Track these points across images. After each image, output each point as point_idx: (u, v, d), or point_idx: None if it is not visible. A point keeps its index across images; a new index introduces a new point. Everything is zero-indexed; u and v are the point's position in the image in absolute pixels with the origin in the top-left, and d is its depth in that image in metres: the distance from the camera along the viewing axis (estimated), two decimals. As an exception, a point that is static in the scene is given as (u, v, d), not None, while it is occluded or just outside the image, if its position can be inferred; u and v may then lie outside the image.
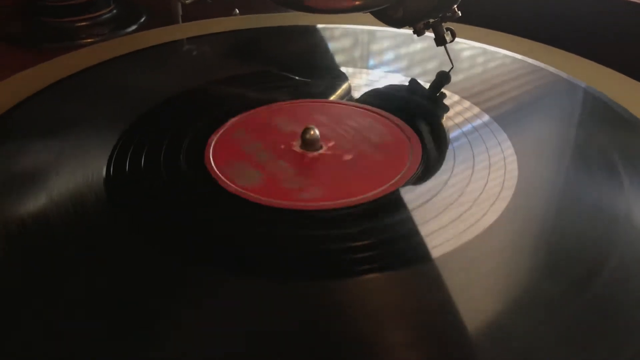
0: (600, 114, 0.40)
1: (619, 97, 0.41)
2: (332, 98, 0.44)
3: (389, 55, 0.52)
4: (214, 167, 0.35)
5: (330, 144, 0.37)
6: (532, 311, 0.25)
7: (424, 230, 0.30)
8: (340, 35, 0.55)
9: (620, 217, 0.30)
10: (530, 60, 0.48)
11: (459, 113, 0.40)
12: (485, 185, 0.33)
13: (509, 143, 0.36)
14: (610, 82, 0.43)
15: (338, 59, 0.51)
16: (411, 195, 0.32)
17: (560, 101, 0.43)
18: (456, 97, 0.42)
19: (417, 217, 0.31)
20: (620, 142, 0.36)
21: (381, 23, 0.45)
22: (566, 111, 0.42)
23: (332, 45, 0.54)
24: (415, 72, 0.47)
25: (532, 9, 0.58)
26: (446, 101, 0.42)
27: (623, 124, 0.38)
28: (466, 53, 0.50)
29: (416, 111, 0.41)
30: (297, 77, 0.46)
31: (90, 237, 0.30)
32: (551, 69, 0.46)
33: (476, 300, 0.26)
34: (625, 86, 0.43)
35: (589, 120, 0.40)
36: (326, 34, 0.55)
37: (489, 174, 0.34)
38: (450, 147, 0.37)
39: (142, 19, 0.68)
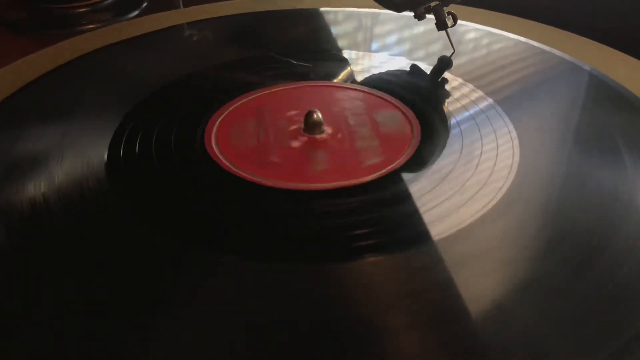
0: (604, 96, 0.40)
1: (624, 79, 0.40)
2: (335, 81, 0.43)
3: (392, 39, 0.51)
4: (216, 150, 0.35)
5: (333, 127, 0.37)
6: (535, 294, 0.25)
7: (425, 213, 0.30)
8: (343, 18, 0.55)
9: (624, 199, 0.30)
10: (533, 43, 0.47)
11: (461, 96, 0.40)
12: (487, 168, 0.33)
13: (511, 126, 0.36)
14: (615, 64, 0.43)
15: (341, 42, 0.50)
16: (413, 179, 0.32)
17: (564, 84, 0.43)
18: (459, 80, 0.42)
19: (419, 200, 0.31)
20: (624, 125, 0.36)
21: (382, 7, 0.45)
22: (570, 94, 0.41)
23: (334, 29, 0.54)
24: (419, 55, 0.47)
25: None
26: (449, 84, 0.42)
27: (627, 107, 0.38)
28: (469, 35, 0.50)
29: (418, 95, 0.41)
30: (299, 61, 0.46)
31: (92, 221, 0.30)
32: (555, 51, 0.45)
33: (478, 283, 0.26)
34: (630, 68, 0.42)
35: (592, 102, 0.40)
36: (329, 18, 0.55)
37: (491, 158, 0.34)
38: (452, 130, 0.37)
39: (144, 5, 0.67)
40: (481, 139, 0.35)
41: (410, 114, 0.38)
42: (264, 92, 0.41)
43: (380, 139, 0.36)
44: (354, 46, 0.50)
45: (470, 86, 0.41)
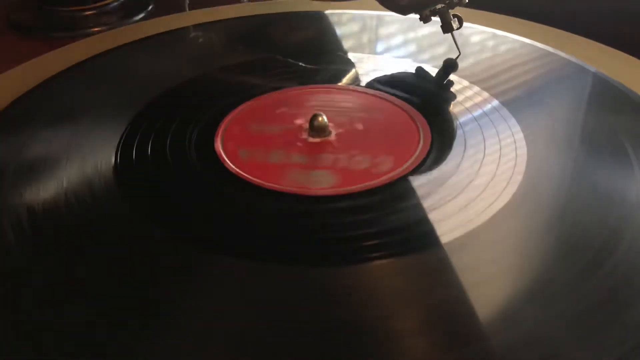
0: (609, 98, 0.40)
1: (629, 81, 0.40)
2: (340, 84, 0.44)
3: (397, 41, 0.51)
4: (223, 153, 0.35)
5: (339, 130, 0.37)
6: (543, 296, 0.25)
7: (433, 216, 0.30)
8: (348, 21, 0.55)
9: (631, 201, 0.30)
10: (538, 45, 0.47)
11: (468, 98, 0.40)
12: (495, 170, 0.33)
13: (518, 128, 0.36)
14: (620, 66, 0.43)
15: (346, 44, 0.50)
16: (420, 182, 0.32)
17: (570, 86, 0.43)
18: (465, 83, 0.42)
19: (426, 203, 0.31)
20: (630, 126, 0.36)
21: (388, 9, 0.45)
22: (575, 96, 0.41)
23: (340, 31, 0.54)
24: (424, 57, 0.47)
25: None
26: (455, 87, 0.42)
27: (633, 108, 0.38)
28: (475, 38, 0.50)
29: (424, 97, 0.41)
30: (305, 64, 0.46)
31: (100, 224, 0.30)
32: (560, 53, 0.45)
33: (486, 286, 0.26)
34: (635, 70, 0.42)
35: (598, 104, 0.40)
36: (334, 20, 0.55)
37: (498, 160, 0.34)
38: (459, 132, 0.37)
39: (150, 7, 0.68)
40: (488, 140, 0.35)
41: (417, 117, 0.38)
42: (270, 95, 0.41)
43: (386, 142, 0.36)
44: (359, 48, 0.50)
45: (476, 88, 0.41)
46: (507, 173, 0.32)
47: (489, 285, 0.26)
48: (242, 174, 0.33)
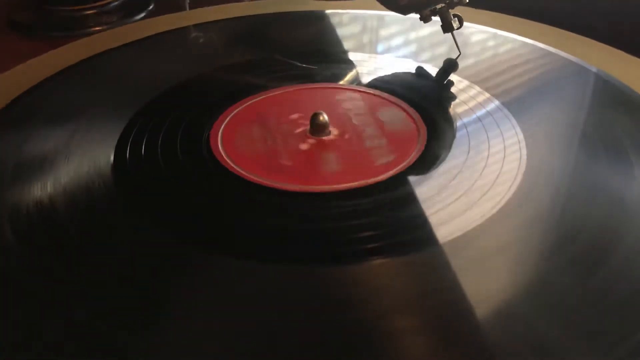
0: (610, 98, 0.40)
1: (630, 81, 0.40)
2: (341, 83, 0.44)
3: (398, 41, 0.51)
4: (222, 153, 0.35)
5: (339, 129, 0.37)
6: (542, 296, 0.25)
7: (432, 215, 0.30)
8: (349, 20, 0.55)
9: (631, 201, 0.30)
10: (539, 44, 0.47)
11: (468, 99, 0.40)
12: (495, 170, 0.33)
13: (518, 128, 0.36)
14: (622, 66, 0.43)
15: (346, 44, 0.50)
16: (419, 181, 0.32)
17: (571, 86, 0.42)
18: (465, 83, 0.42)
19: (425, 202, 0.31)
20: (631, 126, 0.36)
21: (388, 9, 0.45)
22: (576, 96, 0.41)
23: (340, 31, 0.54)
24: (424, 57, 0.47)
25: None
26: (455, 86, 0.42)
27: (633, 108, 0.38)
28: (475, 37, 0.50)
29: (424, 97, 0.41)
30: (305, 64, 0.46)
31: (99, 223, 0.30)
32: (561, 52, 0.45)
33: (485, 285, 0.26)
34: (637, 70, 0.42)
35: (599, 105, 0.40)
36: (334, 20, 0.55)
37: (497, 160, 0.34)
38: (458, 132, 0.37)
39: (150, 7, 0.68)
40: (488, 141, 0.35)
41: (417, 116, 0.38)
42: (270, 95, 0.41)
43: (386, 141, 0.36)
44: (359, 48, 0.50)
45: (477, 88, 0.41)
46: (507, 173, 0.32)
47: (488, 285, 0.26)
48: (241, 173, 0.33)
